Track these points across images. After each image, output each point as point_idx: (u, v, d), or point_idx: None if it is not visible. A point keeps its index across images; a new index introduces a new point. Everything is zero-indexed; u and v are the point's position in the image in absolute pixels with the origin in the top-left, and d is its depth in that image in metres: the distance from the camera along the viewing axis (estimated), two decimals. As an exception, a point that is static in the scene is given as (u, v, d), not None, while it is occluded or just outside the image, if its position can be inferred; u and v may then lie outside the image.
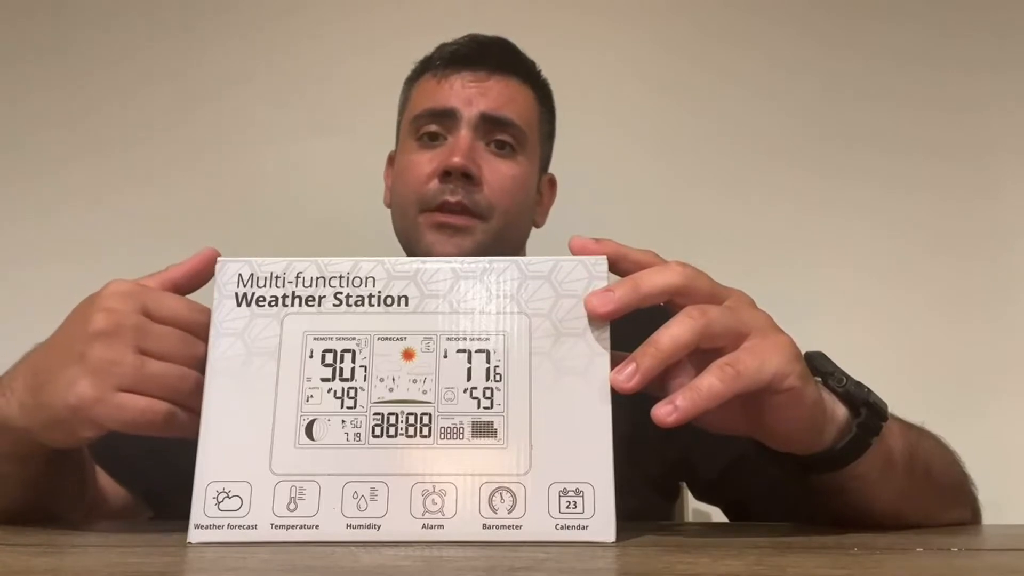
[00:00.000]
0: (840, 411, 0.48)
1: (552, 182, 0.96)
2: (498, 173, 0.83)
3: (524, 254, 0.92)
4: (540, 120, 0.90)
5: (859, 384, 0.49)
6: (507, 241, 0.84)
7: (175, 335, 0.46)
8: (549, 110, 0.93)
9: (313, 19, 1.41)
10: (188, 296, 0.49)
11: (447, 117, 0.84)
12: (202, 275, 0.49)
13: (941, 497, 0.58)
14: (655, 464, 0.74)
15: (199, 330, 0.46)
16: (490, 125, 0.84)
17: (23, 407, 0.47)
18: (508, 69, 0.87)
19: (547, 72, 0.94)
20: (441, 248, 0.81)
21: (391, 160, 0.94)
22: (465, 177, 0.81)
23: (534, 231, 0.93)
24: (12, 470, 0.52)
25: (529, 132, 0.87)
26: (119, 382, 0.44)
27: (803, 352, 0.47)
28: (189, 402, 0.46)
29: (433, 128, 0.85)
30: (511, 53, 0.90)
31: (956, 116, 1.34)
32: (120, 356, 0.44)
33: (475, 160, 0.82)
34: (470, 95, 0.84)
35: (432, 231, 0.82)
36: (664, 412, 0.41)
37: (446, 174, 0.81)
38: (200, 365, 0.46)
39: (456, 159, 0.80)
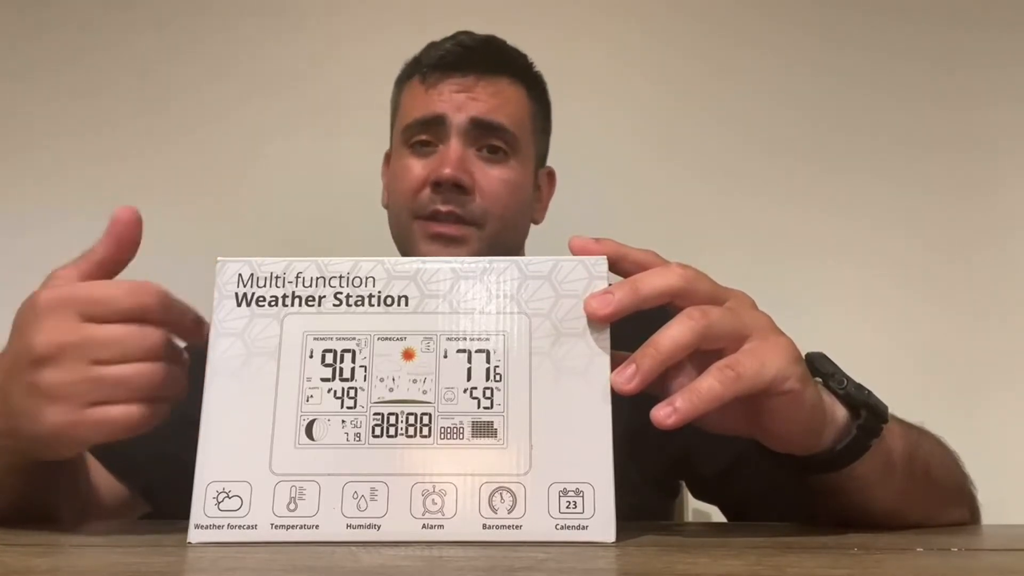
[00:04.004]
0: (840, 413, 0.48)
1: (551, 175, 0.96)
2: (490, 179, 0.83)
3: (523, 253, 0.92)
4: (533, 117, 0.89)
5: (859, 386, 0.49)
6: (504, 245, 0.84)
7: (121, 332, 0.44)
8: (543, 105, 0.92)
9: (305, 14, 1.41)
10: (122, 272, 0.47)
11: (437, 125, 0.84)
12: (127, 242, 0.47)
13: (941, 498, 0.58)
14: (655, 462, 0.73)
15: (144, 314, 0.45)
16: (480, 131, 0.83)
17: (6, 429, 0.47)
18: (497, 70, 0.86)
19: (550, 68, 0.93)
20: None
21: (388, 159, 0.94)
22: (457, 187, 0.81)
23: (533, 227, 0.93)
24: (4, 480, 0.51)
25: (521, 134, 0.86)
26: (84, 400, 0.43)
27: (804, 352, 0.47)
28: (161, 392, 0.45)
29: (424, 137, 0.85)
30: (499, 53, 0.89)
31: (959, 113, 1.34)
32: (73, 375, 0.43)
33: (466, 169, 0.82)
34: (459, 101, 0.84)
35: (427, 242, 0.82)
36: (663, 414, 0.41)
37: (437, 184, 0.81)
38: (156, 351, 0.45)
39: (446, 171, 0.80)
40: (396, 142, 0.89)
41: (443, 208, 0.81)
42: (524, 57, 0.92)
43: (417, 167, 0.84)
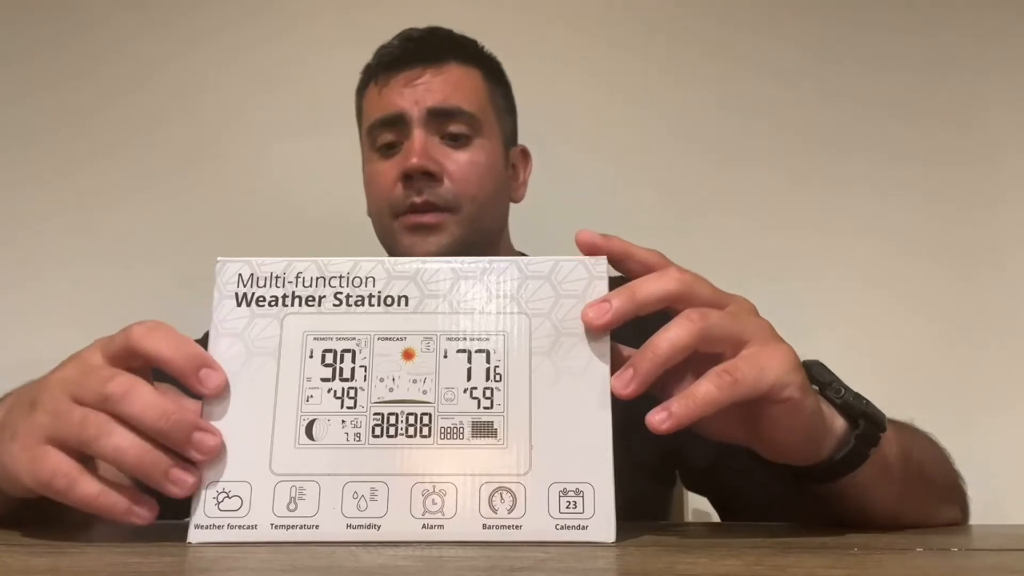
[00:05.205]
0: (838, 422, 0.47)
1: (525, 153, 0.97)
2: (458, 164, 0.84)
3: (507, 233, 0.93)
4: (492, 96, 0.90)
5: (857, 395, 0.48)
6: (484, 227, 0.86)
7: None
8: (501, 84, 0.93)
9: (306, 14, 1.41)
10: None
11: (397, 122, 0.85)
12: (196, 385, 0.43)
13: (935, 497, 0.58)
14: (650, 451, 0.73)
15: (118, 356, 0.42)
16: (440, 119, 0.85)
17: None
18: (444, 57, 0.87)
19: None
20: (420, 249, 0.83)
21: None
22: (426, 176, 0.82)
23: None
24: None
25: (482, 114, 0.87)
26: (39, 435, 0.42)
27: (801, 361, 0.47)
28: (105, 456, 0.41)
29: (389, 137, 0.86)
30: (444, 41, 0.90)
31: (955, 122, 1.34)
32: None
33: (432, 157, 0.83)
34: (413, 94, 0.85)
35: (407, 234, 0.84)
36: (658, 419, 0.41)
37: (407, 177, 0.83)
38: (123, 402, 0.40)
39: (413, 161, 0.82)
40: (365, 149, 0.91)
41: (418, 200, 0.82)
42: (473, 42, 0.92)
43: (386, 168, 0.85)
